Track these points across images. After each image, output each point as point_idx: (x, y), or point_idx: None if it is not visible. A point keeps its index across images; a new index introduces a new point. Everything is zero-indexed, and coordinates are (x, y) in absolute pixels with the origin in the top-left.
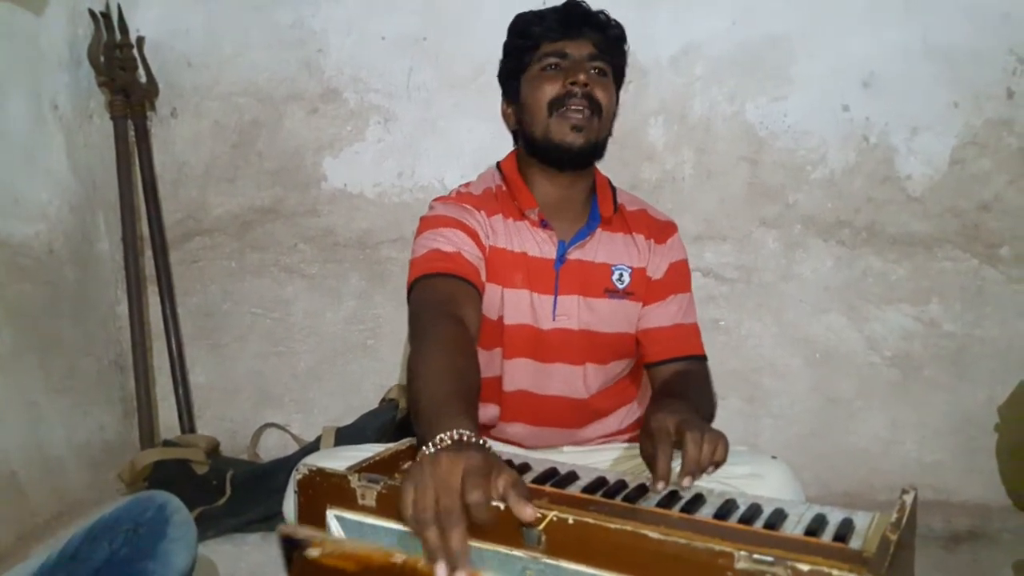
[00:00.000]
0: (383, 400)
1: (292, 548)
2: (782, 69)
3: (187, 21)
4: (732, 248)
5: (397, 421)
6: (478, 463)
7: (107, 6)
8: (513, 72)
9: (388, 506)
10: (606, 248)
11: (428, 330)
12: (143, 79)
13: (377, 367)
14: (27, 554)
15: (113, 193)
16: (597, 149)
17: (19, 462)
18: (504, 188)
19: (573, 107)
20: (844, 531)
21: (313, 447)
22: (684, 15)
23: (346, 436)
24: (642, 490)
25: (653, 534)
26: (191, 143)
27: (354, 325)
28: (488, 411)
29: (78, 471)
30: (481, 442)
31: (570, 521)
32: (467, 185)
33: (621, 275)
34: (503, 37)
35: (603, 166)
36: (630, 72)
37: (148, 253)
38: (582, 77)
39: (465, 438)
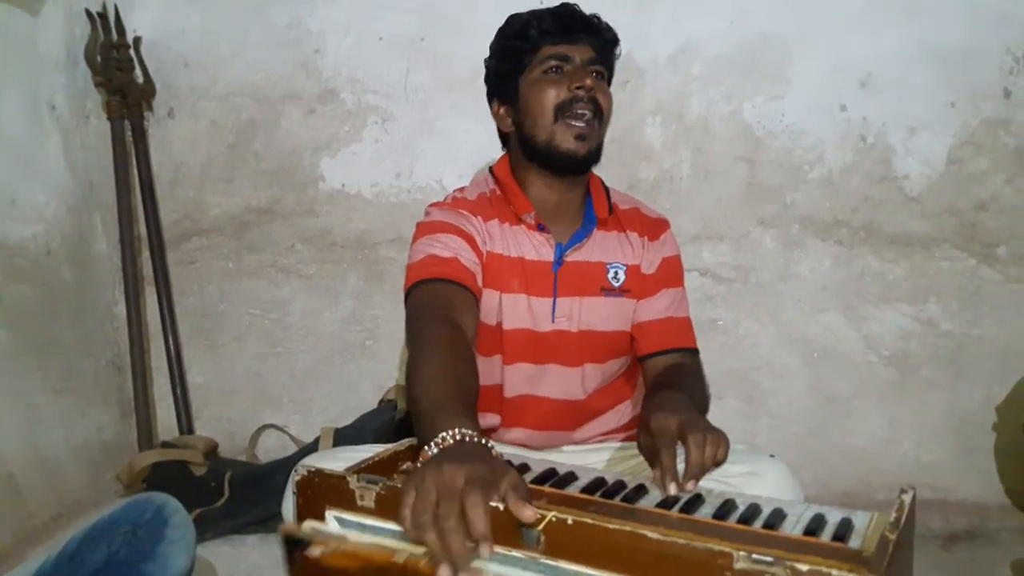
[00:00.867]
0: (382, 401)
1: (294, 547)
2: (779, 69)
3: (184, 21)
4: (730, 248)
5: (396, 422)
6: (480, 469)
7: (104, 6)
8: (509, 74)
9: (387, 507)
10: (601, 247)
11: (426, 334)
12: (140, 79)
13: (375, 367)
14: (25, 556)
15: (110, 194)
16: (597, 154)
17: (17, 463)
18: (499, 193)
19: (578, 111)
20: (843, 531)
21: (312, 448)
22: (681, 15)
23: (345, 437)
24: (641, 490)
25: (652, 534)
26: (188, 143)
27: (352, 325)
28: (489, 420)
29: (76, 472)
30: (483, 441)
31: (569, 521)
32: (461, 190)
33: (616, 273)
34: None
35: (602, 165)
36: (627, 72)
37: (145, 254)
38: (588, 81)
39: (467, 437)
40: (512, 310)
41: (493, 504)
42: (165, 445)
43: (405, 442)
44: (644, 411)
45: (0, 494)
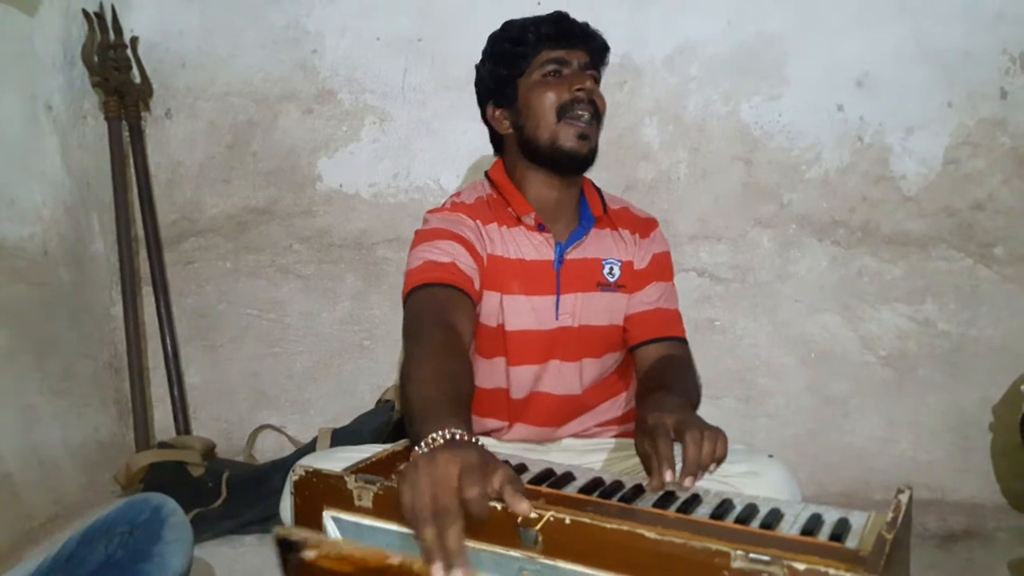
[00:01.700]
0: (379, 401)
1: (288, 550)
2: (776, 69)
3: (181, 21)
4: (727, 248)
5: (393, 422)
6: (474, 460)
7: (101, 6)
8: (507, 78)
9: (385, 507)
10: (597, 244)
11: (421, 336)
12: (137, 80)
13: (373, 368)
14: (22, 556)
15: (108, 194)
16: (595, 155)
17: (14, 464)
18: (496, 196)
19: (579, 111)
20: (840, 530)
21: (309, 448)
22: (678, 15)
23: (342, 437)
24: (638, 490)
25: (650, 534)
26: (186, 144)
27: (350, 326)
28: (493, 423)
29: (73, 473)
30: (474, 440)
31: (567, 521)
32: (458, 195)
33: (612, 268)
34: None
35: (598, 166)
36: (625, 72)
37: (143, 254)
38: (588, 84)
39: (458, 436)
40: (514, 311)
41: (491, 503)
42: (162, 445)
43: (402, 442)
44: (640, 413)
45: None
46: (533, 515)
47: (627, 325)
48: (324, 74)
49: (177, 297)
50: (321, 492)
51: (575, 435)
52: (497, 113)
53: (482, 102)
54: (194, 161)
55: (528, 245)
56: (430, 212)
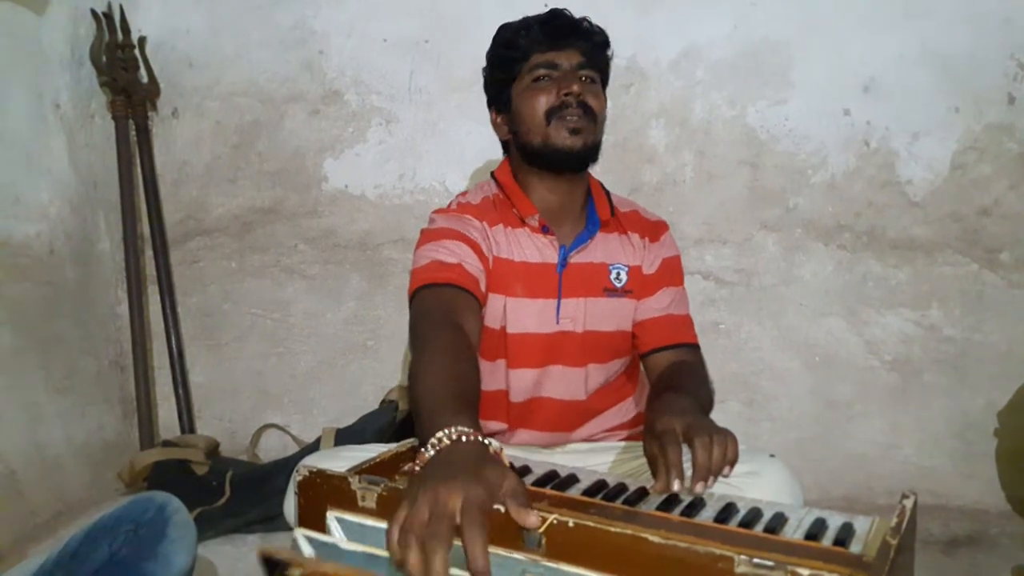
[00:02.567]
0: (383, 401)
1: (273, 569)
2: (783, 73)
3: (188, 21)
4: (732, 251)
5: (397, 422)
6: (479, 495)
7: (109, 6)
8: (503, 83)
9: (388, 508)
10: (603, 248)
11: (428, 337)
12: (144, 79)
13: (377, 368)
14: (26, 553)
15: (114, 193)
16: (594, 152)
17: (18, 462)
18: (502, 197)
19: (569, 115)
20: (844, 535)
21: (313, 448)
22: (684, 19)
23: (346, 437)
24: (642, 493)
25: (653, 538)
26: (192, 143)
27: (354, 326)
28: (494, 426)
29: (77, 471)
30: (481, 440)
31: (570, 524)
32: (464, 195)
33: (619, 274)
34: None
35: (604, 169)
36: (631, 76)
37: (149, 253)
38: (576, 88)
39: (464, 436)
40: (516, 314)
41: (495, 507)
42: (166, 444)
43: (407, 443)
44: (649, 415)
45: (1, 492)
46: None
47: (637, 331)
48: (330, 75)
49: (182, 296)
50: (325, 492)
51: (582, 440)
52: (499, 119)
53: (488, 106)
54: (200, 161)
55: (532, 247)
56: (436, 212)
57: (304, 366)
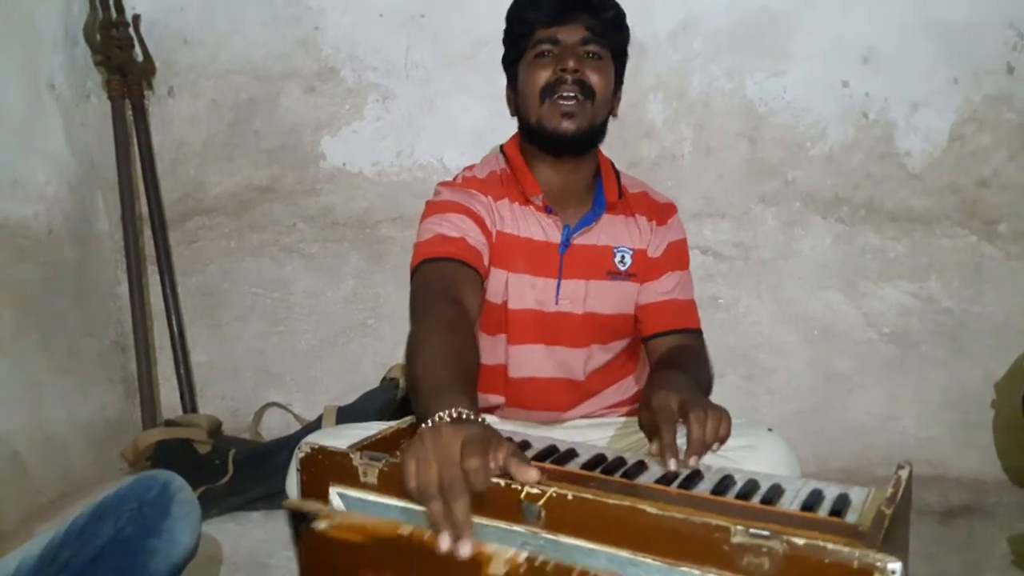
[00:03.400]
0: (384, 379)
1: (299, 521)
2: (781, 45)
3: None
4: (731, 225)
5: (398, 400)
6: (477, 434)
7: None
8: (512, 59)
9: (390, 483)
10: (608, 231)
11: (428, 312)
12: (139, 58)
13: (377, 346)
14: (32, 532)
15: (111, 173)
16: (592, 134)
17: (22, 442)
18: (509, 172)
19: (564, 93)
20: (840, 506)
21: (315, 426)
22: None
23: (347, 415)
24: (641, 467)
25: (651, 509)
26: (188, 122)
27: (354, 304)
28: (492, 399)
29: (81, 451)
30: (479, 419)
31: (569, 497)
32: (471, 168)
33: (623, 257)
34: (500, 15)
35: (602, 144)
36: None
37: (147, 233)
38: (571, 63)
39: (464, 415)
40: (518, 290)
41: (494, 481)
42: (169, 423)
43: (407, 420)
44: (646, 390)
45: (6, 472)
46: (536, 491)
47: (640, 315)
48: (326, 51)
49: (182, 276)
50: (327, 469)
51: (578, 418)
52: (510, 94)
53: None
54: (197, 139)
55: (536, 225)
56: (441, 184)
57: (305, 345)
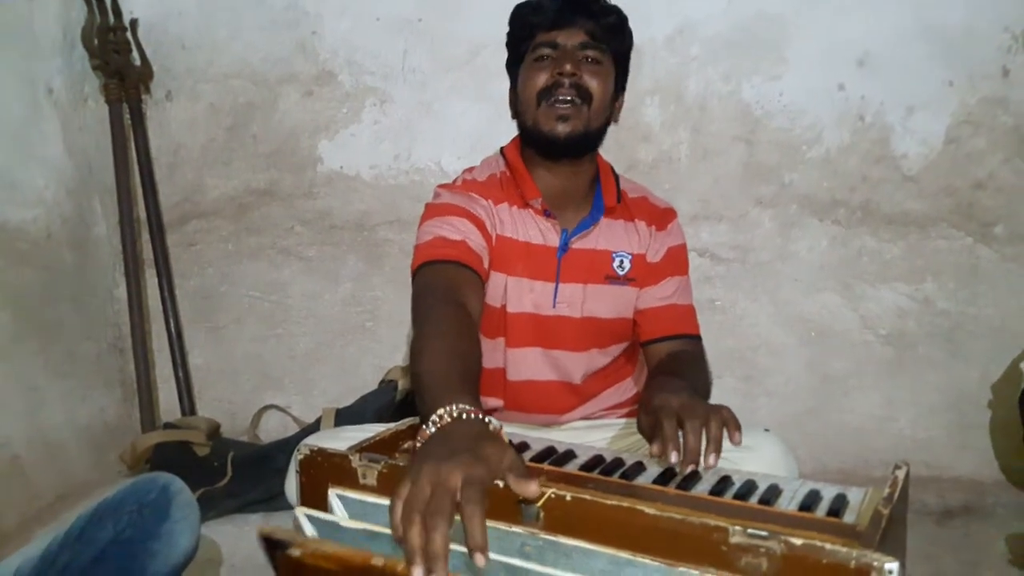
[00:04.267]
0: (382, 382)
1: (274, 548)
2: (777, 48)
3: (180, 3)
4: (728, 228)
5: (396, 402)
6: (479, 474)
7: None
8: (513, 62)
9: (389, 485)
10: (607, 235)
11: (431, 314)
12: (137, 62)
13: (376, 348)
14: (31, 536)
15: (109, 177)
16: (588, 138)
17: (21, 445)
18: (508, 175)
19: (560, 96)
20: (838, 506)
21: (313, 428)
22: None
23: (346, 417)
24: (639, 467)
25: (649, 510)
26: (186, 126)
27: (352, 307)
28: (491, 403)
29: (80, 454)
30: (482, 418)
31: (568, 498)
32: (471, 171)
33: (622, 262)
34: (498, 19)
35: (600, 148)
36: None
37: (145, 236)
38: (568, 67)
39: (465, 414)
40: (516, 294)
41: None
42: (167, 426)
43: (406, 422)
44: (645, 393)
45: (5, 476)
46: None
47: (639, 319)
48: (324, 55)
49: (180, 279)
50: (326, 470)
51: (577, 420)
52: (512, 97)
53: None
54: (195, 143)
55: (535, 229)
56: (441, 187)
57: (303, 347)
